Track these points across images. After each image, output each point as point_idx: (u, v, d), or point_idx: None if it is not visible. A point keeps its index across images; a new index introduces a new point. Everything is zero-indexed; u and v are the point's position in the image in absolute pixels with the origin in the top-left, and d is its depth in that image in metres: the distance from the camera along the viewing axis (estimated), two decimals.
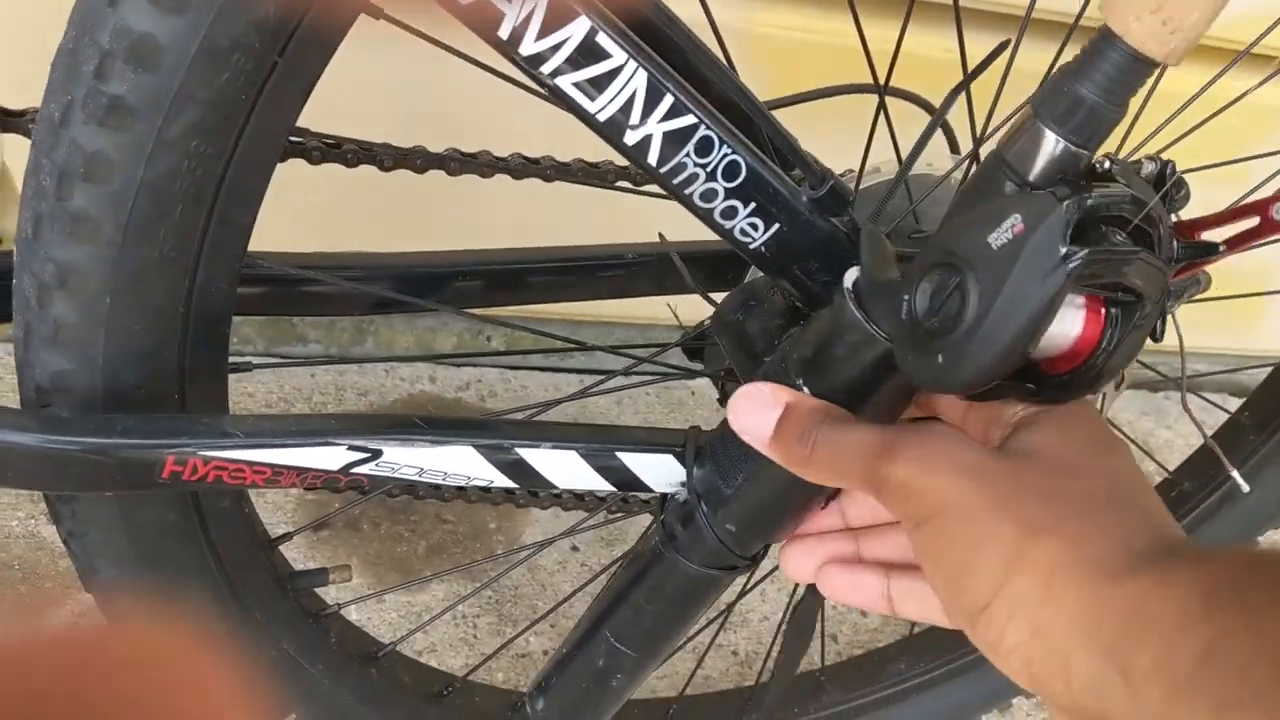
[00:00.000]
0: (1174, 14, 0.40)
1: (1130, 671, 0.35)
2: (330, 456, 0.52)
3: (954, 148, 0.76)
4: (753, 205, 0.49)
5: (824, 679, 0.94)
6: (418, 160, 0.61)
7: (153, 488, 0.49)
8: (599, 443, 0.57)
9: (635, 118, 0.46)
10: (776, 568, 0.56)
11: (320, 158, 0.58)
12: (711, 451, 0.55)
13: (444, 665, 0.99)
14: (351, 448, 0.52)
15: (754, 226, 0.50)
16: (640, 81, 0.45)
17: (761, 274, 0.55)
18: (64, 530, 0.57)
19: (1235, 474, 0.73)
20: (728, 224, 0.49)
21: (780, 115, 0.55)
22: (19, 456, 0.47)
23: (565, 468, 0.56)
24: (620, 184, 0.67)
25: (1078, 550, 0.38)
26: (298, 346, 1.23)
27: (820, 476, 0.47)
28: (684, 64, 0.49)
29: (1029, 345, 0.41)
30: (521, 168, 0.64)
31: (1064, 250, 0.41)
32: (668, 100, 0.46)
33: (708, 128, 0.47)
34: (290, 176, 0.56)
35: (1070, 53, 0.44)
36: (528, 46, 0.43)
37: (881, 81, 0.61)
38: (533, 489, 0.56)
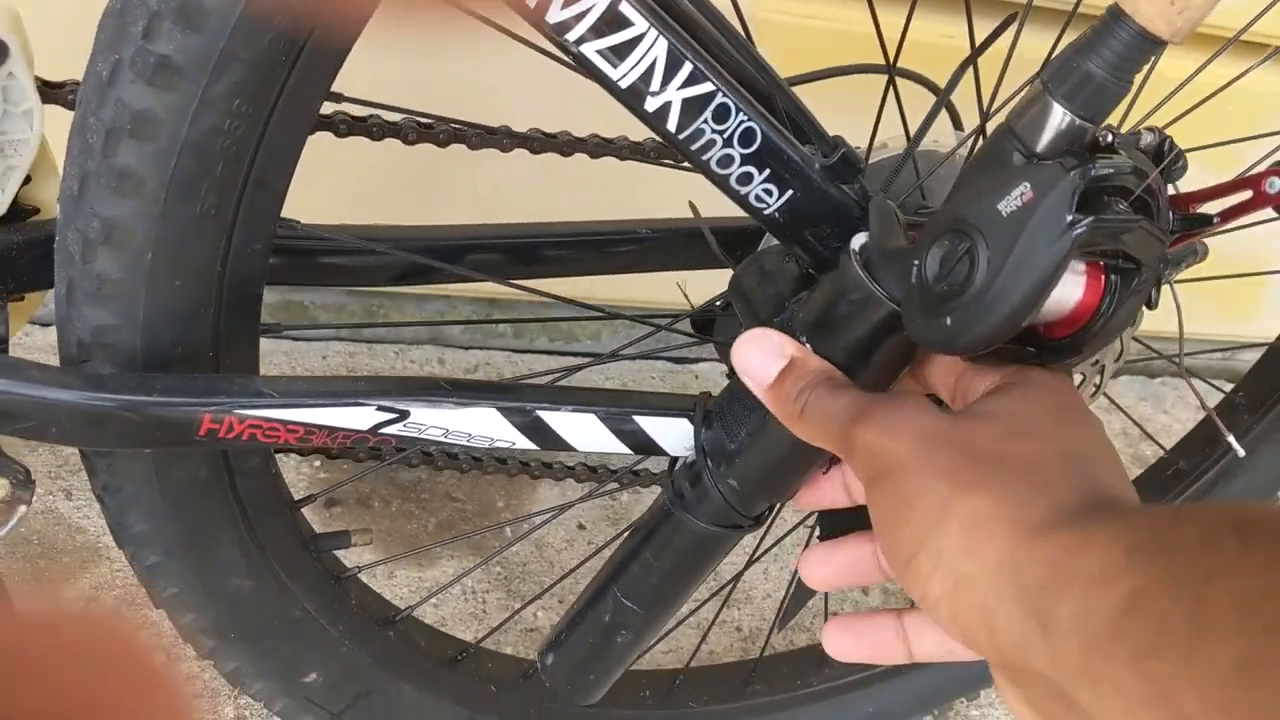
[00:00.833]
0: None
1: (1050, 624, 0.35)
2: (360, 416, 0.53)
3: (958, 125, 0.78)
4: (767, 171, 0.51)
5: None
6: (440, 134, 0.63)
7: (190, 445, 0.51)
8: (616, 406, 0.59)
9: (656, 84, 0.48)
10: (778, 544, 0.58)
11: (347, 131, 0.60)
12: (719, 412, 0.57)
13: None
14: (380, 408, 0.54)
15: (768, 192, 0.52)
16: (661, 50, 0.47)
17: (775, 242, 0.58)
18: (98, 485, 0.58)
19: (1231, 439, 0.76)
20: (743, 190, 0.51)
21: None
22: (63, 413, 0.49)
23: (584, 430, 0.58)
24: (636, 158, 0.69)
25: (1005, 506, 0.39)
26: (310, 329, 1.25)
27: (807, 434, 0.48)
28: (703, 34, 0.51)
29: (1034, 308, 0.43)
30: (540, 142, 0.65)
31: (1070, 217, 0.43)
32: (687, 68, 0.48)
33: (724, 95, 0.49)
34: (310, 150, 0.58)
35: (1069, 37, 0.46)
36: (554, 14, 0.45)
37: (890, 62, 0.63)
38: (553, 449, 0.58)
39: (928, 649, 0.48)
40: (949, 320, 0.44)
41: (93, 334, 0.51)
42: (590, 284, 0.74)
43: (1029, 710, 0.39)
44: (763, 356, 0.49)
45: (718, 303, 0.82)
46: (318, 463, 1.13)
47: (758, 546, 0.89)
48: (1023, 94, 0.47)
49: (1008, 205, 0.43)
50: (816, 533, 0.64)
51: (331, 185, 0.72)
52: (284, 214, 0.54)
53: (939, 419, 0.43)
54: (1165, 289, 0.56)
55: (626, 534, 0.64)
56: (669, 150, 0.72)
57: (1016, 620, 0.37)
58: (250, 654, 0.68)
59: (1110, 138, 0.47)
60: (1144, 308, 0.52)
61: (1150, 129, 0.53)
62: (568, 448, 0.59)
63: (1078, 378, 0.72)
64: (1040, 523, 0.38)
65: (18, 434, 0.50)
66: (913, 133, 0.64)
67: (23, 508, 0.56)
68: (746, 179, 0.51)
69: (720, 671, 0.96)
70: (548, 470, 0.86)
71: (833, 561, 0.52)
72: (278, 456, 0.66)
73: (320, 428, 0.53)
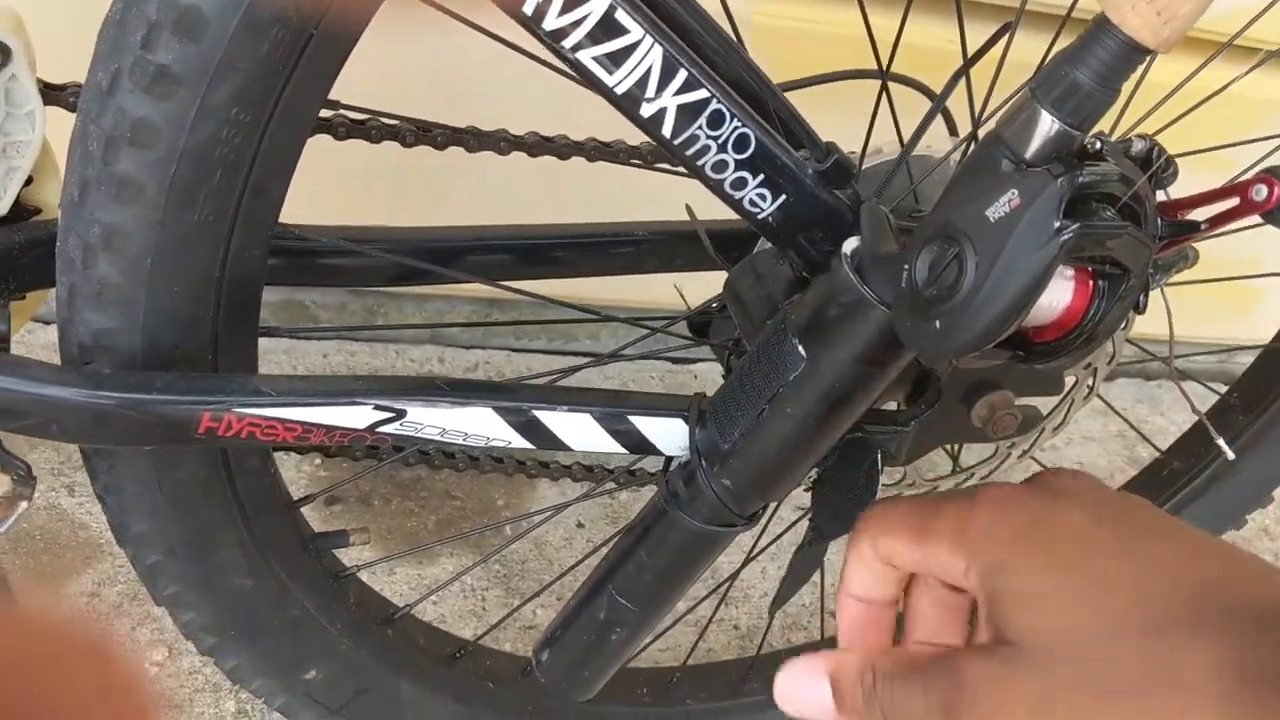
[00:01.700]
0: (1168, 5, 0.42)
1: None
2: (357, 415, 0.54)
3: (952, 131, 0.79)
4: (761, 177, 0.52)
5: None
6: (438, 137, 0.63)
7: (189, 443, 0.52)
8: (611, 406, 0.59)
9: (651, 91, 0.48)
10: (774, 543, 0.58)
11: (345, 134, 0.61)
12: (713, 412, 0.57)
13: None
14: (378, 407, 0.54)
15: (762, 197, 0.52)
16: (656, 56, 0.48)
17: (769, 245, 0.58)
18: (99, 486, 0.59)
19: (1221, 442, 0.76)
20: (737, 194, 0.52)
21: None
22: (64, 411, 0.50)
23: (579, 430, 0.59)
24: (632, 162, 0.70)
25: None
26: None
27: None
28: (697, 41, 0.52)
29: (1022, 313, 0.44)
30: (538, 145, 0.66)
31: (1057, 224, 0.43)
32: (682, 75, 0.48)
33: (719, 102, 0.49)
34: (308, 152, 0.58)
35: (1063, 43, 0.47)
36: (550, 21, 0.46)
37: (884, 68, 0.63)
38: (549, 448, 0.58)
39: None
40: (938, 324, 0.45)
41: (94, 337, 0.52)
42: (590, 285, 0.75)
43: None
44: (805, 689, 0.44)
45: (714, 304, 0.82)
46: (317, 461, 1.13)
47: (754, 545, 0.90)
48: (1011, 102, 0.47)
49: (995, 211, 0.44)
50: (809, 533, 0.65)
51: (330, 186, 0.73)
52: (283, 214, 0.54)
53: (1030, 683, 0.38)
54: (1155, 293, 0.56)
55: (621, 533, 0.65)
56: (665, 154, 0.73)
57: None
58: (250, 651, 0.69)
59: (1099, 145, 0.48)
60: (1133, 312, 0.52)
61: (1140, 136, 0.53)
62: (564, 447, 0.60)
63: (1069, 380, 0.73)
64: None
65: (20, 431, 0.51)
66: (906, 138, 0.65)
67: (24, 504, 0.56)
68: (740, 184, 0.52)
69: (718, 669, 0.97)
70: (544, 470, 0.87)
71: None
72: (277, 455, 0.66)
73: (318, 426, 0.54)
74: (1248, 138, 0.69)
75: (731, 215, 0.55)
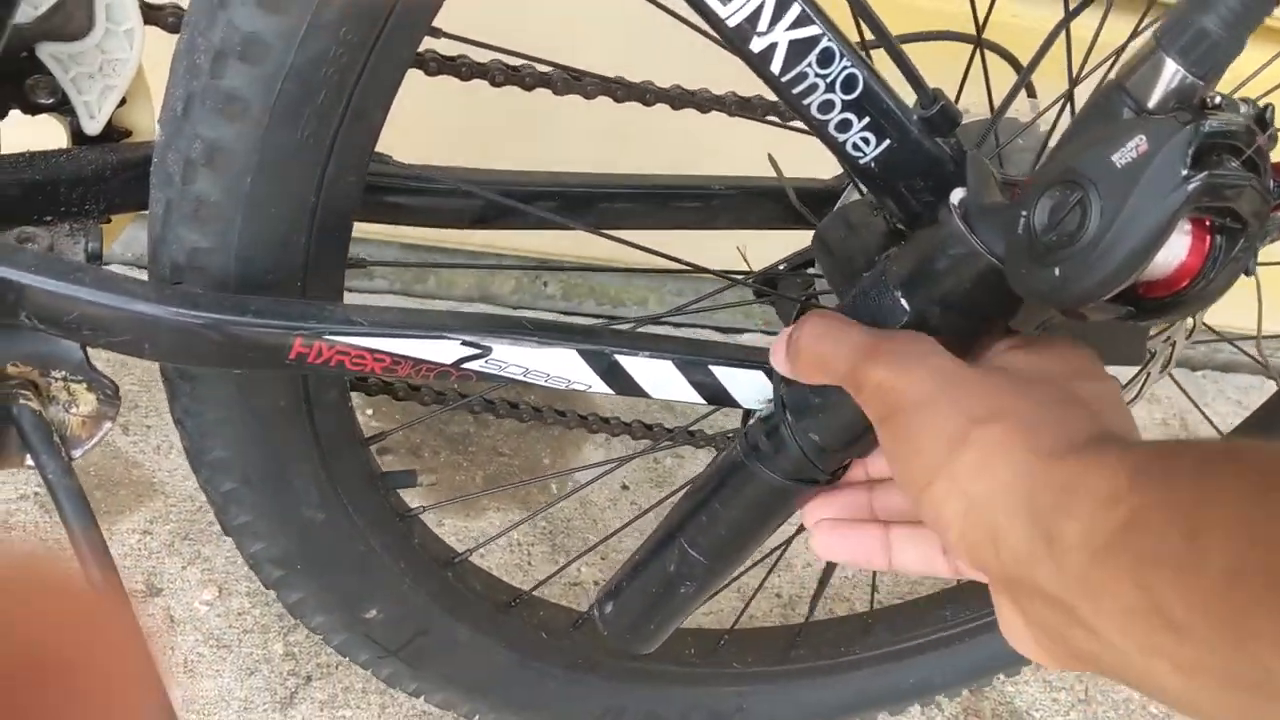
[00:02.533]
0: None
1: (1056, 540, 0.38)
2: (445, 350, 0.54)
3: (1032, 93, 0.78)
4: (867, 119, 0.51)
5: (872, 621, 0.96)
6: (527, 78, 0.63)
7: (280, 368, 0.52)
8: (694, 355, 0.59)
9: (763, 24, 0.47)
10: None
11: (436, 69, 0.60)
12: None
13: None
14: (465, 343, 0.54)
15: (866, 141, 0.51)
16: None
17: (858, 197, 0.57)
18: (179, 409, 0.59)
19: None
20: (841, 137, 0.51)
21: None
22: (159, 329, 0.50)
23: (660, 377, 0.58)
24: (716, 109, 0.69)
25: (1019, 434, 0.42)
26: (364, 281, 1.26)
27: (808, 374, 0.50)
28: None
29: (1145, 261, 0.43)
30: (624, 90, 0.65)
31: (1185, 171, 0.42)
32: (795, 9, 0.47)
33: (830, 39, 0.49)
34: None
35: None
36: None
37: (979, 32, 0.62)
38: (627, 394, 0.58)
39: (908, 561, 0.52)
40: (1057, 271, 0.44)
41: (188, 256, 0.52)
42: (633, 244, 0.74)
43: (1024, 623, 0.42)
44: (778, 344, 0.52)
45: (781, 265, 0.82)
46: (369, 411, 1.13)
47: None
48: (1134, 50, 0.46)
49: (1122, 157, 0.43)
50: None
51: (415, 124, 0.72)
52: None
53: (952, 360, 0.46)
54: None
55: (690, 486, 0.64)
56: (748, 106, 0.72)
57: (1024, 537, 0.40)
58: (316, 586, 0.68)
59: (1218, 99, 0.47)
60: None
61: (1245, 100, 0.52)
62: (643, 393, 0.59)
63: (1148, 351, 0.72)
64: (1052, 450, 0.41)
65: (111, 348, 0.50)
66: (995, 101, 0.64)
67: (108, 423, 0.56)
68: (845, 125, 0.51)
69: (765, 634, 0.97)
70: (605, 425, 0.86)
71: (847, 539, 0.55)
72: None
73: (406, 358, 0.53)
74: None
75: (808, 174, 0.54)
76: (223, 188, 0.50)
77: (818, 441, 0.57)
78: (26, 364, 0.53)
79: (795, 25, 0.47)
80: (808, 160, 0.70)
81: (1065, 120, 0.70)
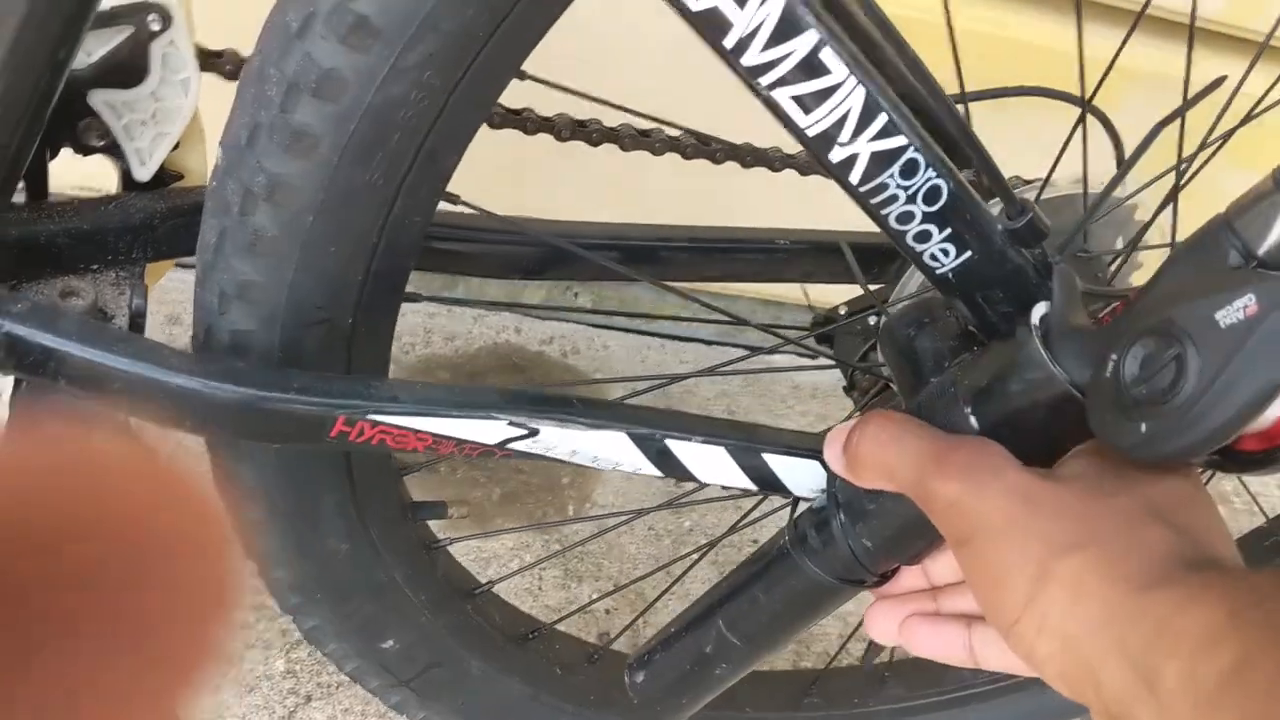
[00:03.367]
0: None
1: (1156, 683, 0.36)
2: (491, 430, 0.52)
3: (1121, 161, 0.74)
4: (948, 231, 0.48)
5: (888, 674, 0.94)
6: (594, 133, 0.60)
7: (319, 444, 0.50)
8: (746, 441, 0.57)
9: (846, 135, 0.44)
10: None
11: (500, 123, 0.58)
12: None
13: None
14: (512, 423, 0.52)
15: (945, 252, 0.48)
16: (857, 100, 0.44)
17: (930, 288, 0.54)
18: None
19: None
20: (919, 247, 0.48)
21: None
22: (198, 404, 0.48)
23: (712, 462, 0.56)
24: (789, 168, 0.66)
25: (1105, 564, 0.40)
26: None
27: (869, 479, 0.48)
28: (897, 78, 0.48)
29: (1239, 430, 0.40)
30: (694, 148, 0.62)
31: None
32: (881, 120, 0.44)
33: (916, 150, 0.46)
34: None
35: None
36: (751, 57, 0.42)
37: (1085, 97, 0.58)
38: (677, 478, 0.56)
39: (991, 659, 0.51)
40: (1144, 427, 0.41)
41: (238, 288, 0.50)
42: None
43: None
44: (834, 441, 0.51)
45: (840, 309, 0.79)
46: None
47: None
48: (1250, 188, 0.43)
49: (1227, 316, 0.40)
50: None
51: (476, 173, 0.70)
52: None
53: (1022, 475, 0.44)
54: None
55: (737, 566, 0.63)
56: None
57: (1122, 678, 0.38)
58: (333, 615, 0.67)
59: None
60: None
61: None
62: (692, 479, 0.57)
63: None
64: (1141, 580, 0.39)
65: (148, 419, 0.49)
66: (1088, 177, 0.61)
67: None
68: (925, 237, 0.48)
69: (779, 679, 0.95)
70: None
71: (937, 635, 0.53)
72: None
73: (449, 439, 0.52)
74: None
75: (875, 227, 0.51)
76: (282, 223, 0.48)
77: (869, 546, 0.55)
78: None
79: (880, 136, 0.44)
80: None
81: (1156, 196, 0.66)
